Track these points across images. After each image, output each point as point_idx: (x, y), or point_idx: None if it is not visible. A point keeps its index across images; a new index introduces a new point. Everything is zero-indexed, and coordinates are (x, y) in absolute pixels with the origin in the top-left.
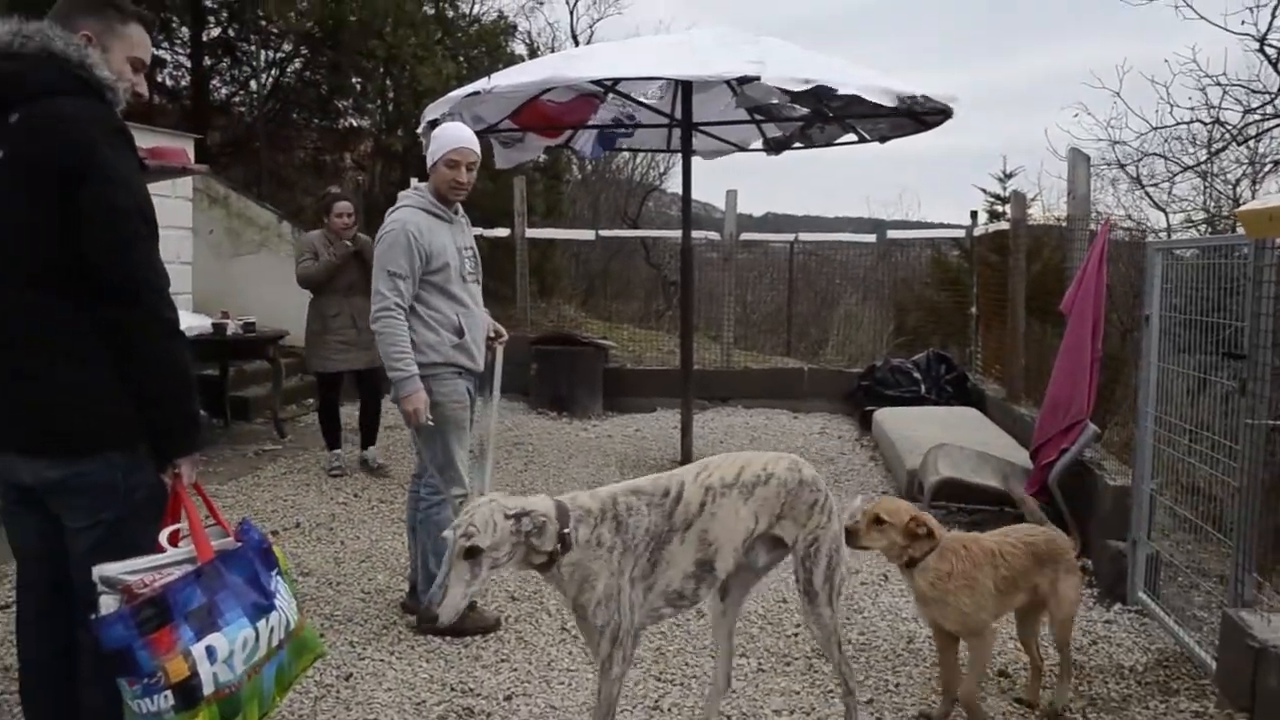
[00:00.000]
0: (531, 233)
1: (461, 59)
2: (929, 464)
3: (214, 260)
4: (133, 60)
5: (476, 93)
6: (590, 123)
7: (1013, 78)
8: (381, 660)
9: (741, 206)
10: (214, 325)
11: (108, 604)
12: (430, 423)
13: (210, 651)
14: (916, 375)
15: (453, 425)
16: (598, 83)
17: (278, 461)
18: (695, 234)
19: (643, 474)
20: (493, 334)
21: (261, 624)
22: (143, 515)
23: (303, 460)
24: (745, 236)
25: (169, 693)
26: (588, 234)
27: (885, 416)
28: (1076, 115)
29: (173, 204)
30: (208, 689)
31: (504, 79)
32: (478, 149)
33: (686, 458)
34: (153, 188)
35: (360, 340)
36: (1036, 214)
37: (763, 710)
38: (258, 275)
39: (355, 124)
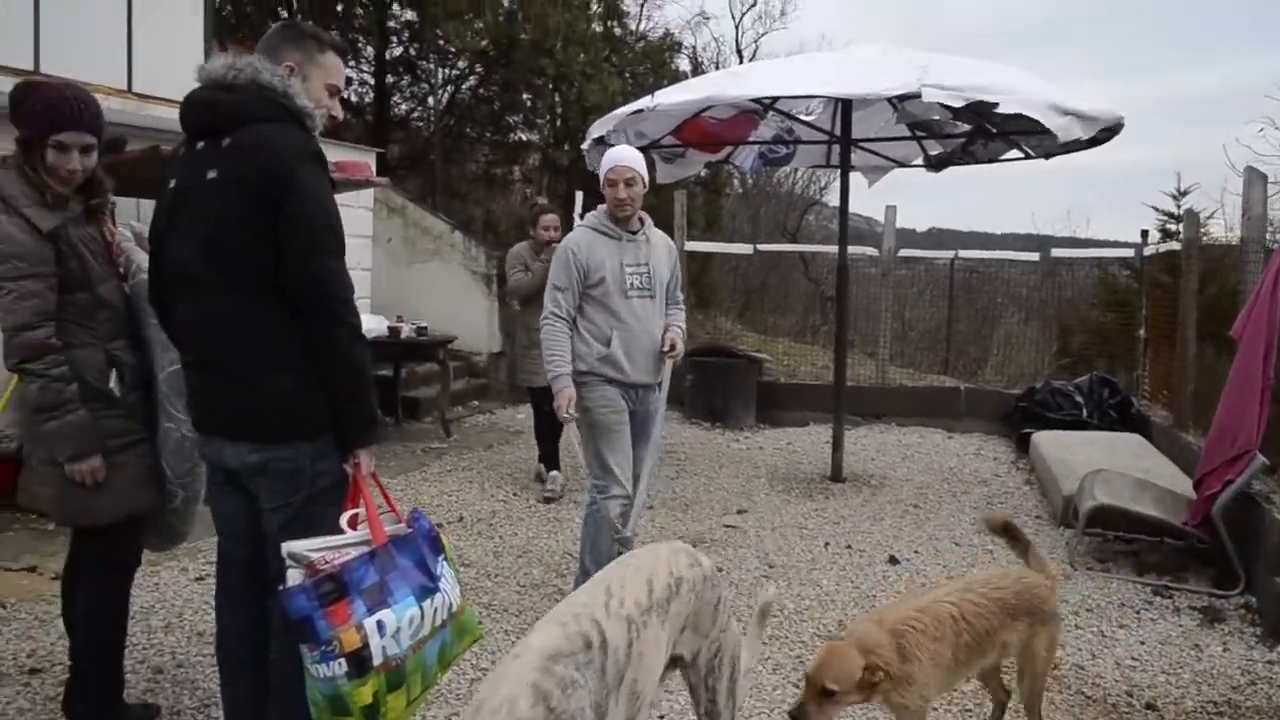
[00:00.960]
0: (691, 245)
1: (627, 75)
2: (1085, 489)
3: (391, 267)
4: (329, 87)
5: (639, 110)
6: (751, 139)
7: (1191, 90)
8: None
9: (906, 221)
10: (390, 328)
11: (293, 577)
12: (569, 418)
13: (380, 626)
14: (1078, 398)
15: (601, 429)
16: (757, 101)
17: (443, 459)
18: (854, 249)
19: (792, 488)
20: (667, 347)
21: (427, 604)
22: (326, 499)
23: (467, 459)
24: (904, 253)
25: (343, 660)
26: (745, 248)
27: (1043, 439)
28: (1262, 130)
29: (355, 213)
30: (377, 660)
31: (666, 97)
32: (633, 164)
33: (837, 472)
34: (337, 198)
35: None
36: (1218, 233)
37: None
38: (431, 282)
39: (524, 138)
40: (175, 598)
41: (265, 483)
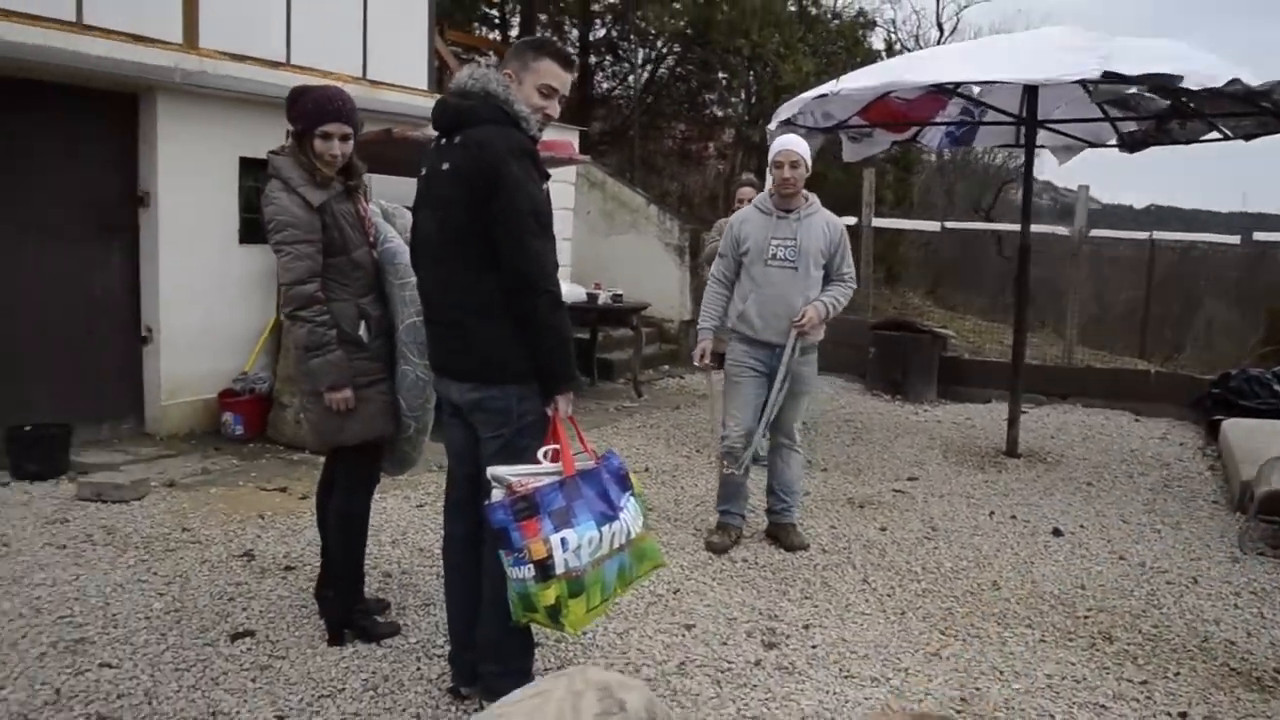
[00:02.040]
0: (878, 222)
1: (821, 55)
2: (1263, 475)
3: (590, 237)
4: (541, 88)
5: (824, 95)
6: (938, 119)
7: None
8: (704, 583)
9: (1113, 197)
10: (588, 295)
11: (496, 495)
12: (701, 365)
13: (564, 542)
14: (1277, 387)
15: (728, 379)
16: (937, 87)
17: (633, 417)
18: (1042, 228)
19: (965, 460)
20: (799, 317)
21: (605, 529)
22: (529, 434)
23: (655, 418)
24: (1095, 233)
25: (531, 566)
26: (933, 225)
27: (1233, 427)
28: None
29: (559, 187)
30: (559, 569)
31: (850, 83)
32: (797, 149)
33: (1012, 448)
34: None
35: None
36: None
37: (1035, 673)
38: (627, 253)
39: (719, 114)
40: (401, 520)
41: (481, 416)
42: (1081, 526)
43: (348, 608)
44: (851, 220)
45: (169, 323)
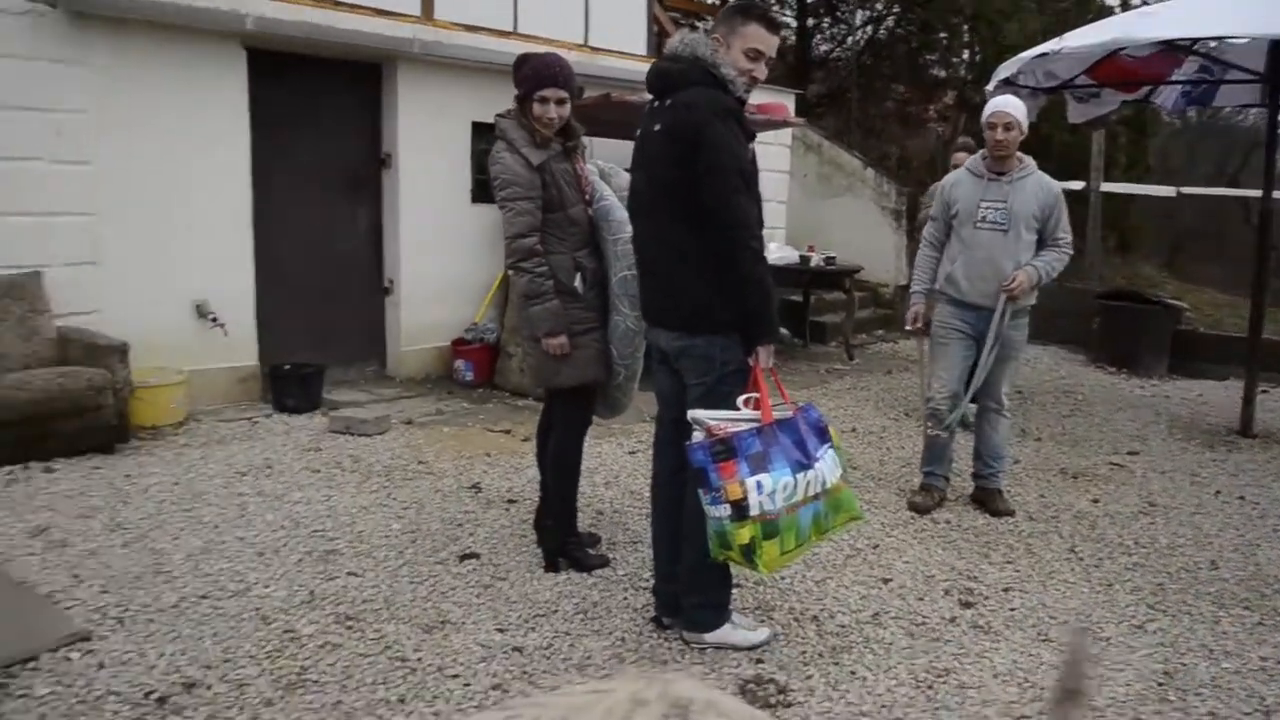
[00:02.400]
0: (1107, 187)
1: (1049, 13)
2: None
3: (805, 200)
4: (747, 51)
5: (1045, 54)
6: (1173, 77)
7: None
8: (904, 541)
9: None
10: (800, 257)
11: (697, 437)
12: (913, 329)
13: (759, 485)
14: None
15: (934, 340)
16: (1171, 42)
17: (844, 379)
18: None
19: (1192, 437)
20: (1009, 282)
21: (800, 476)
22: (730, 382)
23: (865, 380)
24: None
25: (727, 505)
26: (1169, 190)
27: None
28: None
29: (774, 150)
30: (754, 511)
31: (1074, 40)
32: (1012, 110)
33: (1246, 427)
34: (758, 136)
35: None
36: None
37: (1249, 654)
38: (842, 216)
39: (940, 76)
40: (613, 464)
41: (686, 363)
42: None
43: (563, 538)
44: (1079, 184)
45: (408, 276)
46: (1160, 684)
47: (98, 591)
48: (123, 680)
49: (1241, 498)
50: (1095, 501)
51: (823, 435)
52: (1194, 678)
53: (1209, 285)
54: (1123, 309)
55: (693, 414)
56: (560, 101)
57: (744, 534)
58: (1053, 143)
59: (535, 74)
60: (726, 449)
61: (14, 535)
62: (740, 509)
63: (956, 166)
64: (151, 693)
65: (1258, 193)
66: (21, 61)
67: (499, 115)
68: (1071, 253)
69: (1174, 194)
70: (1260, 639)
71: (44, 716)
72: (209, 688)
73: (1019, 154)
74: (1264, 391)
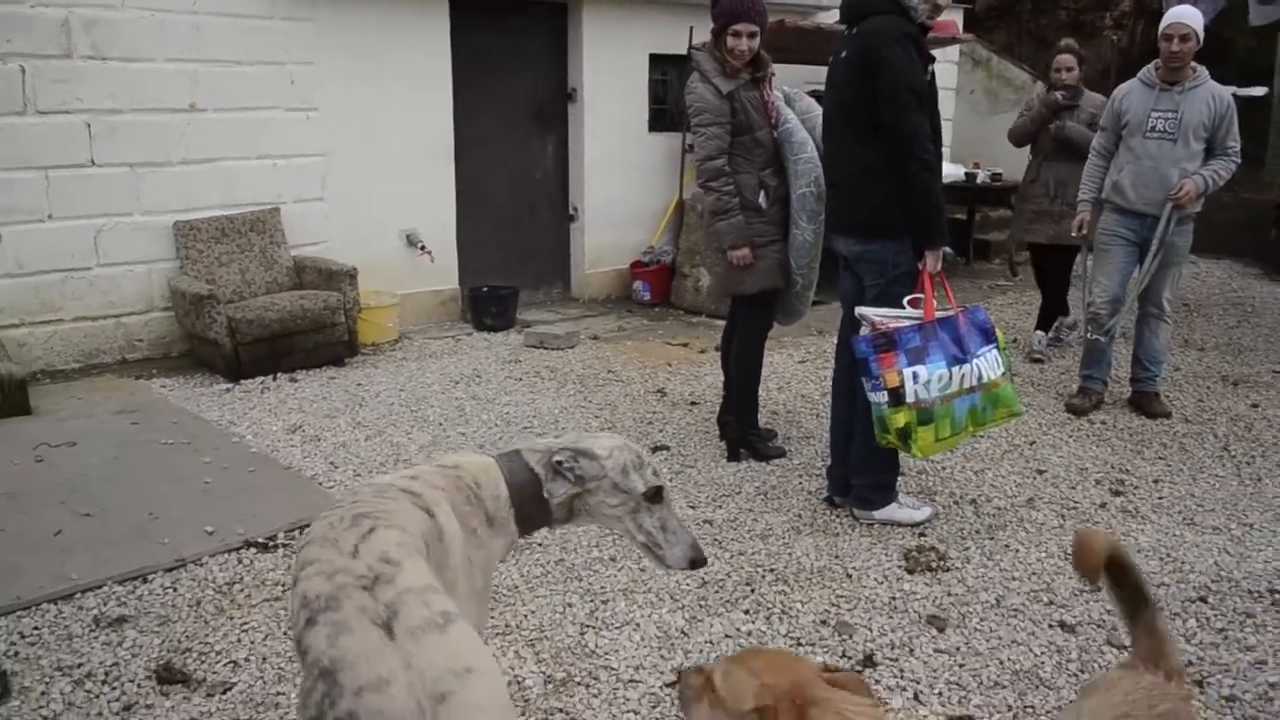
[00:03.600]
0: None
1: None
2: None
3: (972, 117)
4: None
5: None
6: None
7: None
8: (1060, 439)
9: None
10: (966, 174)
11: (863, 331)
12: (1078, 236)
13: (915, 375)
14: None
15: (1098, 248)
16: None
17: (1006, 295)
18: None
19: None
20: (1176, 189)
21: (955, 370)
22: (900, 283)
23: (1028, 296)
24: None
25: (885, 392)
26: None
27: None
28: None
29: (941, 68)
30: (909, 399)
31: None
32: (1189, 20)
33: None
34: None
35: (1053, 210)
36: None
37: None
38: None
39: None
40: (785, 372)
41: (863, 266)
42: None
43: (744, 431)
44: (1261, 90)
45: (591, 202)
46: None
47: (351, 475)
48: None
49: None
50: (1254, 406)
51: (987, 336)
52: None
53: None
54: None
55: (860, 310)
56: (751, 35)
57: (899, 419)
58: (1235, 48)
59: (730, 9)
60: (887, 341)
61: (276, 432)
62: (897, 396)
63: (1058, 70)
64: None
65: None
66: (260, 20)
67: (694, 48)
68: (1239, 161)
69: None
70: None
71: None
72: None
73: (1193, 64)
74: None
